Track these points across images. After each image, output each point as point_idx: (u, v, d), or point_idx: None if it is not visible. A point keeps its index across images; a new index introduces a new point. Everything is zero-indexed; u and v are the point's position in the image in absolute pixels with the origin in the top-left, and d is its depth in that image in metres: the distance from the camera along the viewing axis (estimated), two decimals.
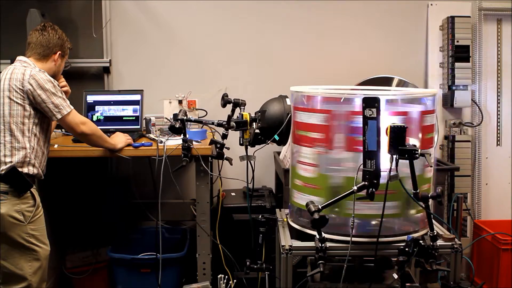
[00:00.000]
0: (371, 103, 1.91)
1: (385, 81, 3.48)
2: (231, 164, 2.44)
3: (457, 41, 3.52)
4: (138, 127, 3.18)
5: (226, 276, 2.72)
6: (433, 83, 3.64)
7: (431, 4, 3.64)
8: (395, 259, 2.05)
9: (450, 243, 2.15)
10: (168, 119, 3.23)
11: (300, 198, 2.28)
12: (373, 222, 2.13)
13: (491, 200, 3.73)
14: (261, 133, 2.36)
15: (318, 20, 3.63)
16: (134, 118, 3.21)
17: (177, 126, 2.34)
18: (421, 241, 1.98)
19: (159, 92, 3.42)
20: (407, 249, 1.98)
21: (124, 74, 3.59)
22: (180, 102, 3.30)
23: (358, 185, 1.97)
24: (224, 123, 2.35)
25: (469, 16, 3.58)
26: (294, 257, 2.15)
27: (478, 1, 3.62)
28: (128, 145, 2.75)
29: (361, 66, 3.60)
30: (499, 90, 3.71)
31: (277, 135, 2.30)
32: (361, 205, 2.05)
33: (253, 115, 2.36)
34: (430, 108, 2.22)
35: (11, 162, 2.27)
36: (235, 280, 2.93)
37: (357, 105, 2.07)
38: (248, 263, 2.46)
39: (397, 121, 2.02)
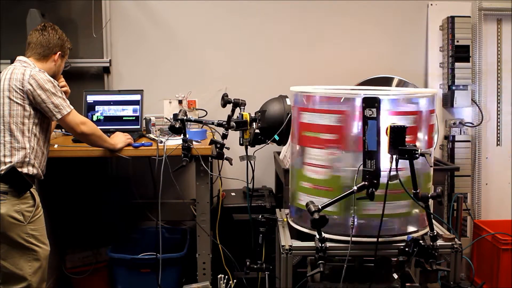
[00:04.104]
0: (371, 103, 1.91)
1: (385, 81, 3.48)
2: (231, 164, 2.44)
3: (457, 41, 3.52)
4: (138, 127, 3.18)
5: (226, 276, 2.72)
6: (433, 83, 3.65)
7: (431, 4, 3.64)
8: (395, 259, 2.05)
9: (450, 243, 2.15)
10: (168, 119, 3.23)
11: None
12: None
13: (491, 200, 3.73)
14: (261, 133, 2.36)
15: (318, 20, 3.63)
16: (134, 118, 3.21)
17: (177, 126, 2.34)
18: (421, 241, 1.98)
19: (159, 92, 3.43)
20: (407, 249, 1.98)
21: (124, 74, 3.59)
22: (180, 102, 3.30)
23: (358, 185, 1.96)
24: (224, 123, 2.34)
25: (469, 16, 3.58)
26: (294, 257, 2.15)
27: (478, 1, 3.62)
28: (128, 145, 2.75)
29: (361, 66, 3.60)
30: (499, 90, 3.71)
31: (277, 135, 2.30)
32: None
33: (253, 115, 2.36)
34: (430, 108, 2.21)
35: (10, 162, 2.26)
36: (235, 280, 2.92)
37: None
38: (248, 263, 2.46)
39: (397, 121, 2.02)
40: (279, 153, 3.36)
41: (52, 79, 2.37)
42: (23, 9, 3.18)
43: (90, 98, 3.23)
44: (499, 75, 3.70)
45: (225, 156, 2.40)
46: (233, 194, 3.37)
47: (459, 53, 3.53)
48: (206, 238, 2.80)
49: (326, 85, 2.66)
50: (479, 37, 3.61)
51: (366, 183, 1.95)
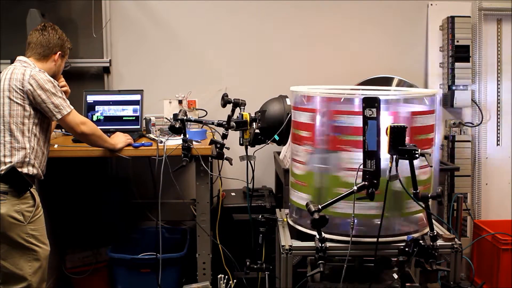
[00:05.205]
0: (371, 103, 1.91)
1: (385, 81, 3.48)
2: (231, 164, 2.45)
3: (457, 41, 3.52)
4: (138, 127, 3.18)
5: (226, 276, 2.72)
6: (433, 83, 3.65)
7: (431, 4, 3.64)
8: (395, 259, 2.04)
9: (450, 243, 2.15)
10: (168, 119, 3.23)
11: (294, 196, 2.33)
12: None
13: (491, 200, 3.73)
14: (261, 133, 2.36)
15: (318, 20, 3.63)
16: (134, 118, 3.21)
17: (177, 126, 2.34)
18: (421, 241, 1.98)
19: (159, 92, 3.42)
20: (407, 249, 1.98)
21: (124, 74, 3.59)
22: (180, 102, 3.30)
23: (358, 185, 1.96)
24: (224, 123, 2.35)
25: (469, 16, 3.58)
26: (294, 257, 2.15)
27: (478, 1, 3.62)
28: (128, 145, 2.75)
29: (361, 66, 3.60)
30: (499, 90, 3.71)
31: (277, 135, 2.30)
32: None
33: (253, 115, 2.36)
34: (430, 108, 2.21)
35: (10, 162, 2.27)
36: (235, 280, 2.92)
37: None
38: (248, 263, 2.46)
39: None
40: (279, 153, 3.36)
41: (52, 79, 2.37)
42: (23, 9, 3.18)
43: (90, 98, 3.23)
44: (499, 75, 3.70)
45: (225, 156, 2.41)
46: (233, 194, 3.37)
47: (459, 53, 3.53)
48: (206, 238, 2.80)
49: (326, 85, 2.66)
50: (479, 37, 3.61)
51: (366, 183, 1.95)
